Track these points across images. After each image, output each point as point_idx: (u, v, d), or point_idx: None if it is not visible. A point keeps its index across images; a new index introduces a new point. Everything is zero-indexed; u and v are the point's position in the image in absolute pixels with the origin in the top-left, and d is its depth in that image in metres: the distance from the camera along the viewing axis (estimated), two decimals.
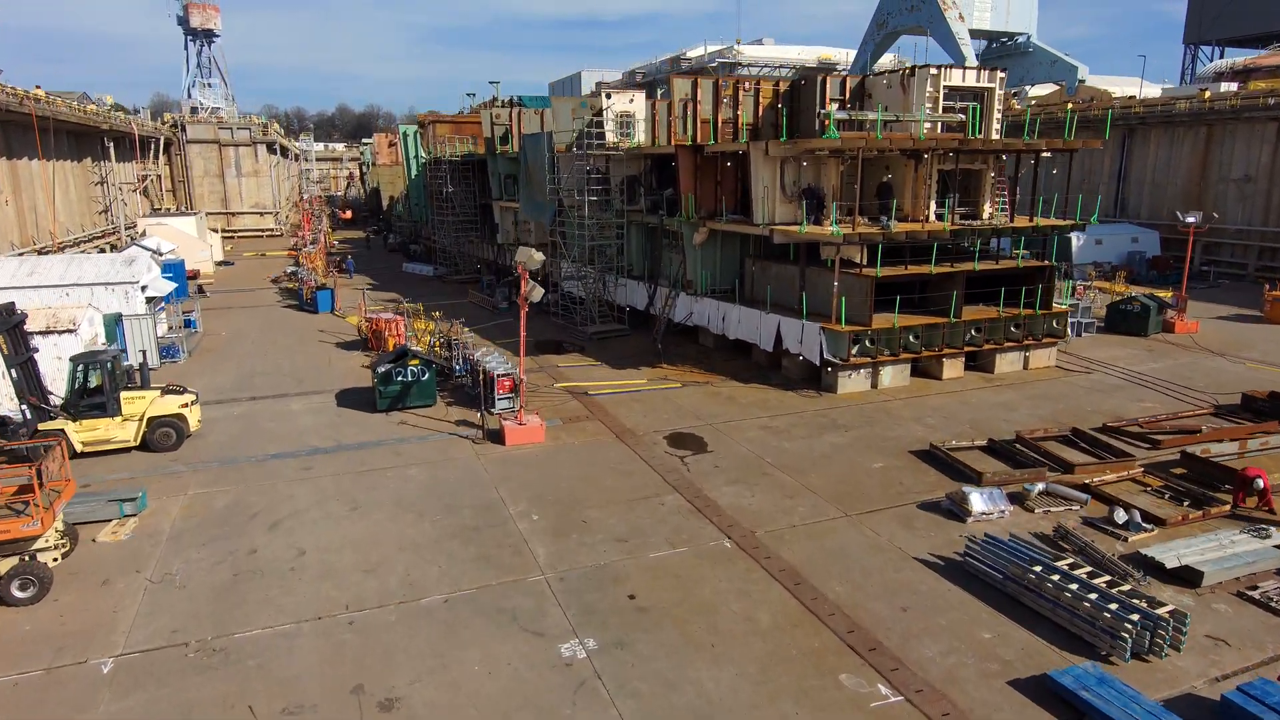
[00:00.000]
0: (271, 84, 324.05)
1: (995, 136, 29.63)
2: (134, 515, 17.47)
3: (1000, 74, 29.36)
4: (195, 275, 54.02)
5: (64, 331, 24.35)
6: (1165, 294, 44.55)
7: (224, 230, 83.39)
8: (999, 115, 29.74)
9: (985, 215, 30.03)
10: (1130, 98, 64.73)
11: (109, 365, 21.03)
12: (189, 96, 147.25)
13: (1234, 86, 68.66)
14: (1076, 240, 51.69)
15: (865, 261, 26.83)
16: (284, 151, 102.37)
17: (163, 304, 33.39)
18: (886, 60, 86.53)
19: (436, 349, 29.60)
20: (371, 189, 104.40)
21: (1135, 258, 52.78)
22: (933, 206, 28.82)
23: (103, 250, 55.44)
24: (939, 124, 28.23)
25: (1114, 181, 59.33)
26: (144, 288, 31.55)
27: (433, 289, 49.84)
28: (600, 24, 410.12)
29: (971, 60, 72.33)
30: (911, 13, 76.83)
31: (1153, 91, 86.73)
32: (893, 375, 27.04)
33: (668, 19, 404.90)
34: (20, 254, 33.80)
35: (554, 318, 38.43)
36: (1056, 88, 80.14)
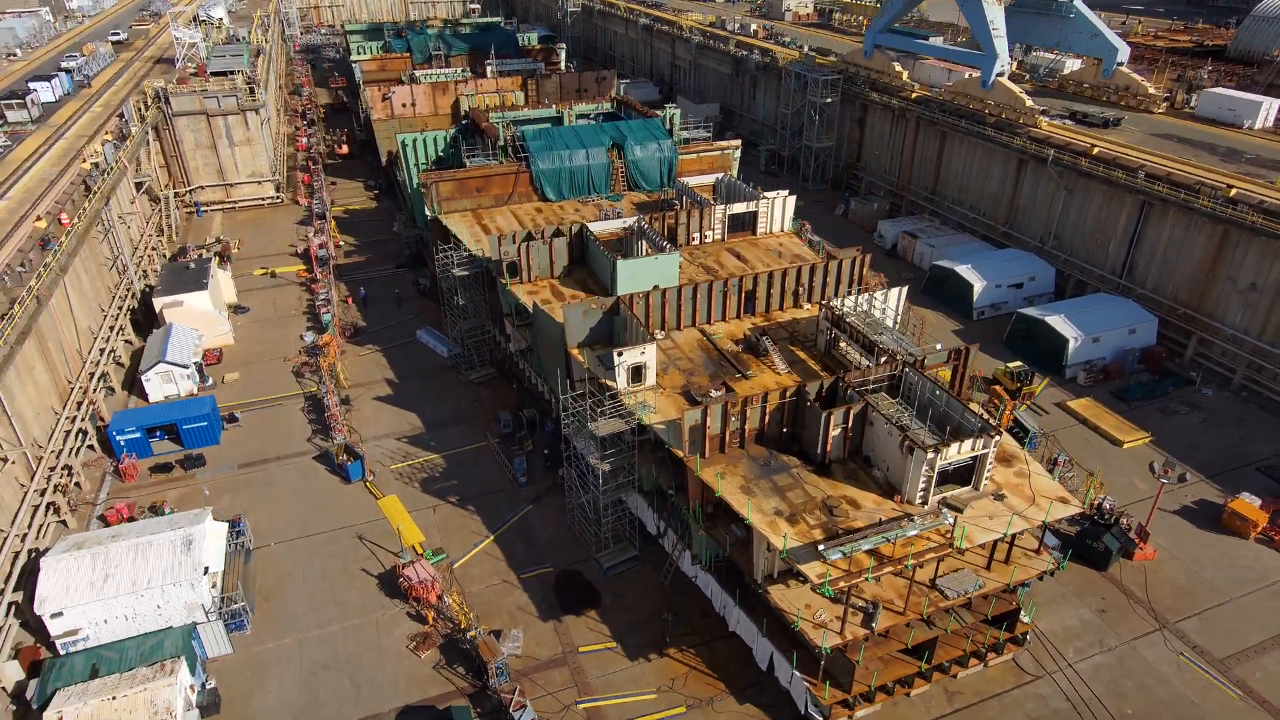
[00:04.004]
0: None
1: (985, 484, 31.44)
2: None
3: (995, 437, 30.60)
4: (219, 359, 56.08)
5: None
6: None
7: (224, 203, 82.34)
8: (993, 458, 31.29)
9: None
10: (1151, 166, 62.04)
11: None
12: None
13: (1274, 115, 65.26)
14: (1074, 342, 53.06)
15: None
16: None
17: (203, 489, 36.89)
18: None
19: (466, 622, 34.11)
20: (365, 120, 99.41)
21: (1129, 356, 54.23)
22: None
23: (127, 325, 56.60)
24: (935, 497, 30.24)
25: (1126, 242, 58.84)
26: (207, 569, 35.11)
27: (450, 396, 52.04)
28: None
29: (1004, 58, 67.63)
30: None
31: None
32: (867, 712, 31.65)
33: None
34: (80, 544, 35.96)
35: (567, 495, 40.98)
36: (1092, 63, 75.31)
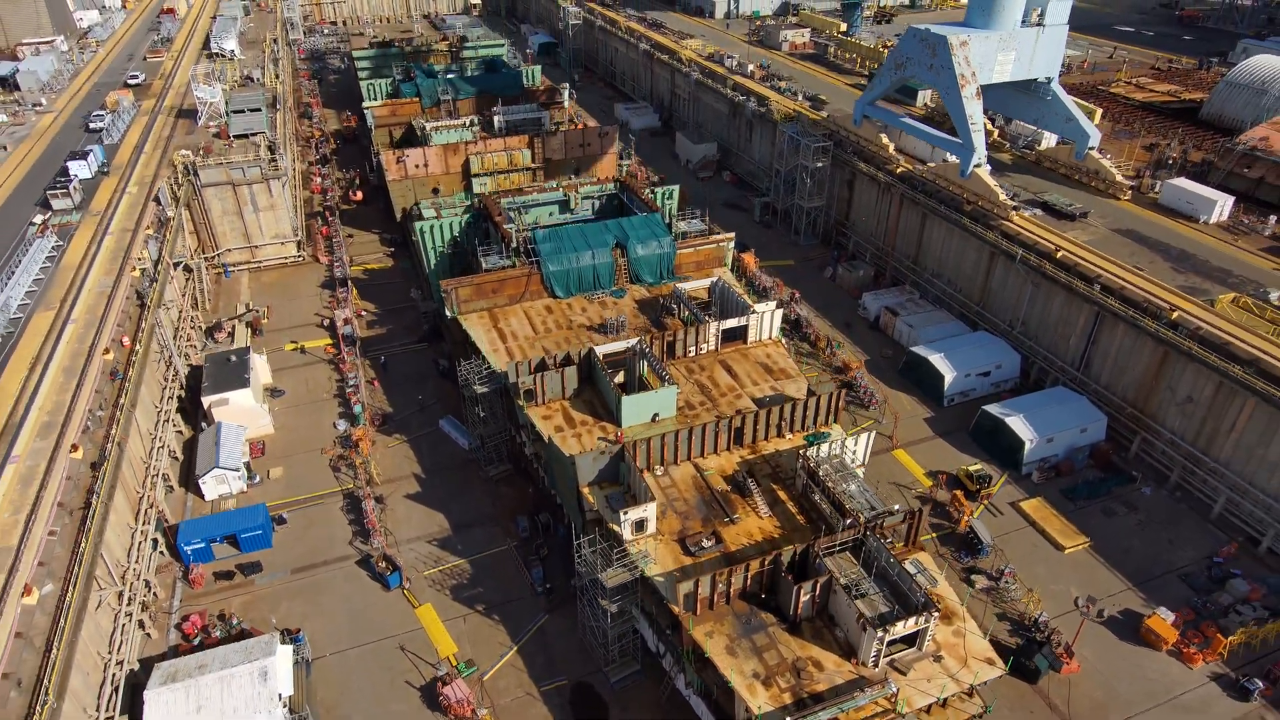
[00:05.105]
0: None
1: (928, 644, 38.05)
2: None
3: (935, 613, 37.06)
4: (262, 450, 62.37)
5: None
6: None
7: (249, 263, 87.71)
8: (934, 628, 37.80)
9: None
10: (1109, 273, 67.14)
11: None
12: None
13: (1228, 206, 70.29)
14: (1030, 443, 59.32)
15: None
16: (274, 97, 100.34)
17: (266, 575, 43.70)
18: None
19: None
20: (378, 163, 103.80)
21: (1079, 454, 60.59)
22: None
23: (177, 417, 62.60)
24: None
25: (1084, 340, 64.68)
26: (280, 695, 42.01)
27: (472, 494, 58.43)
28: None
29: (981, 152, 72.38)
30: (930, 71, 75.04)
31: None
32: None
33: None
34: (171, 670, 42.91)
35: (581, 604, 47.55)
36: (1065, 145, 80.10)
